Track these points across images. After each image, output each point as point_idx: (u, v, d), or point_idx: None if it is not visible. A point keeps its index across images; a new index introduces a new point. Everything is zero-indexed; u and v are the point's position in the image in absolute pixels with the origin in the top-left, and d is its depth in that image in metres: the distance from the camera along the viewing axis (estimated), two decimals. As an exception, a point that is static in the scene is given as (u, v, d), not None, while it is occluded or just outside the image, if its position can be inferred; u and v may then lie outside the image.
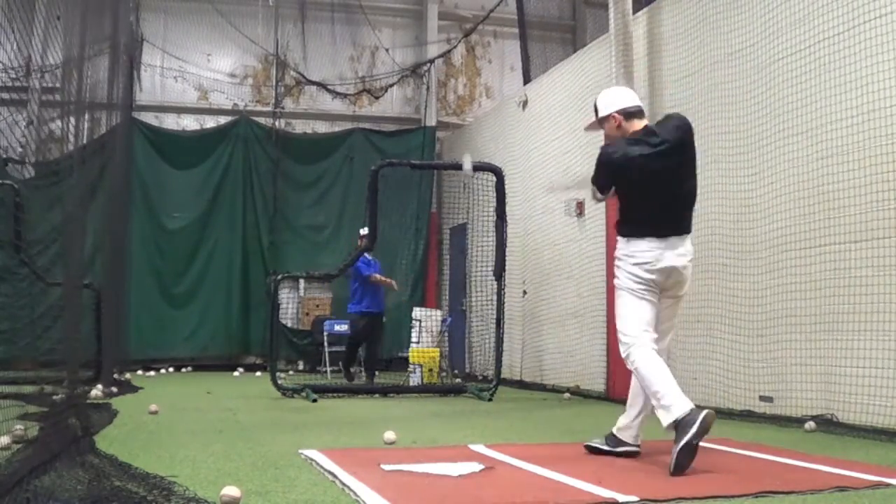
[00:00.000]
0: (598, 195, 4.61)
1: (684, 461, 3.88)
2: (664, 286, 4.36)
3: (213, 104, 14.25)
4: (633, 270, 4.32)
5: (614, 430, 4.57)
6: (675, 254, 4.32)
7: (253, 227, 13.94)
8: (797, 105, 6.61)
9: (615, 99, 4.54)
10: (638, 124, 4.45)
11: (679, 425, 3.92)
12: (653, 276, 4.30)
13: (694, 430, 3.86)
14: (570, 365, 9.97)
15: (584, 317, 9.71)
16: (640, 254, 4.32)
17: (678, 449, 3.87)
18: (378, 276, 10.62)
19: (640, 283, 4.31)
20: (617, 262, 4.42)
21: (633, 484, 3.62)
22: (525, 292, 11.29)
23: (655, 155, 4.31)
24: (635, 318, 4.31)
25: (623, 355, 4.35)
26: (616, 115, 4.45)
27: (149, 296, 13.21)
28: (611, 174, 4.47)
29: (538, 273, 11.06)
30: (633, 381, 4.49)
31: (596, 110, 4.58)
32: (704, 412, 3.93)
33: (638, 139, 4.38)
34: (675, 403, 4.00)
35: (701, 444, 3.98)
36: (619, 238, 4.45)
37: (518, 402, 8.74)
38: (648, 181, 4.34)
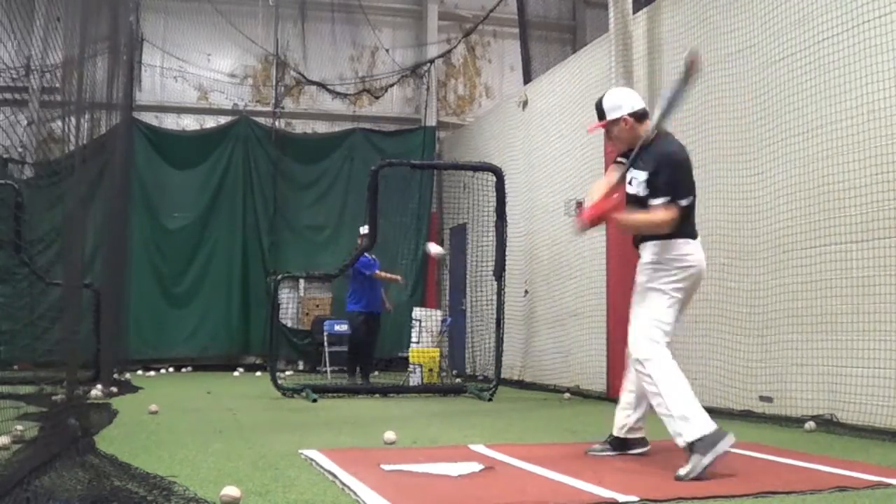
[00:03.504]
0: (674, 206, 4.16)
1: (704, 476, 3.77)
2: (692, 290, 4.30)
3: (213, 104, 14.26)
4: (678, 274, 4.17)
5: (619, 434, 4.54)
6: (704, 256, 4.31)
7: (253, 227, 13.95)
8: (797, 105, 6.61)
9: (625, 101, 4.41)
10: (644, 128, 4.35)
11: (702, 443, 3.81)
12: (694, 280, 4.22)
13: (713, 455, 3.77)
14: (570, 365, 9.96)
15: (584, 317, 9.70)
16: (689, 257, 4.20)
17: (693, 473, 3.75)
18: (382, 273, 10.57)
19: (682, 286, 4.20)
20: (658, 265, 4.20)
21: (633, 484, 3.62)
22: (527, 292, 11.29)
23: None
24: (668, 323, 4.16)
25: (641, 356, 4.13)
26: (628, 117, 4.34)
27: (149, 296, 13.21)
28: (690, 172, 4.29)
29: (538, 273, 11.06)
30: (636, 384, 4.39)
31: (602, 112, 4.42)
32: (728, 438, 3.84)
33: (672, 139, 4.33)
34: (696, 417, 3.89)
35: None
36: (660, 241, 4.20)
37: (518, 402, 8.74)
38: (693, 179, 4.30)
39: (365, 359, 10.75)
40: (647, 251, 4.27)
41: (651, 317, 4.16)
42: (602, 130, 4.56)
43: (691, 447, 3.84)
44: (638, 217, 4.22)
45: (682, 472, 3.79)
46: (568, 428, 6.30)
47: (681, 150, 4.29)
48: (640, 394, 4.37)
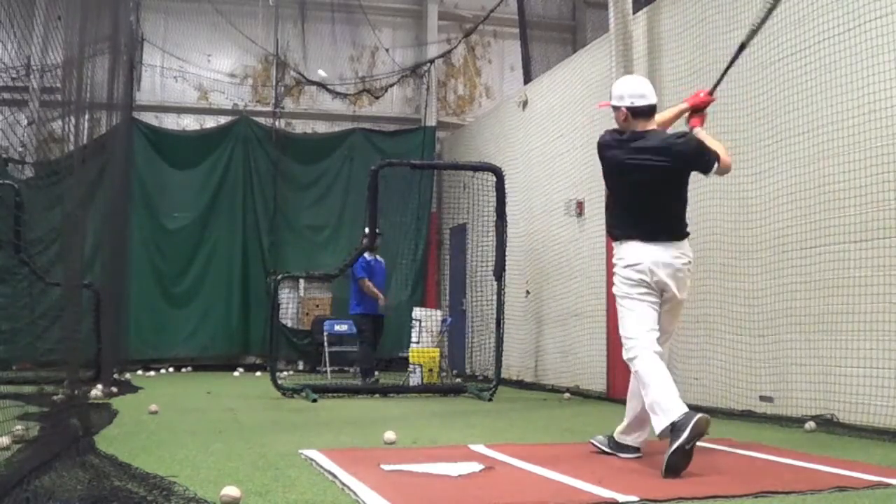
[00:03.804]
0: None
1: (677, 464, 3.82)
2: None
3: (213, 104, 14.25)
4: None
5: (615, 436, 4.59)
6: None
7: (253, 227, 13.94)
8: (797, 105, 6.61)
9: (629, 94, 4.48)
10: (643, 124, 4.44)
11: (673, 429, 3.88)
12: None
13: (686, 433, 3.80)
14: (570, 365, 9.97)
15: (584, 317, 9.70)
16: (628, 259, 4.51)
17: (670, 452, 3.82)
18: (368, 282, 10.33)
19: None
20: (689, 267, 4.42)
21: (633, 484, 3.62)
22: (528, 292, 11.29)
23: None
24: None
25: None
26: (624, 109, 4.45)
27: (149, 296, 13.21)
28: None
29: (538, 273, 11.06)
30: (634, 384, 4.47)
31: (610, 93, 4.60)
32: (698, 416, 3.87)
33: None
34: (671, 409, 3.95)
35: (701, 444, 3.97)
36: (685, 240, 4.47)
37: (518, 402, 8.74)
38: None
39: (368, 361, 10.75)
40: (686, 247, 4.44)
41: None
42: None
43: (671, 430, 3.93)
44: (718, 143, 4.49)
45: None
46: (568, 428, 6.30)
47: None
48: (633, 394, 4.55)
